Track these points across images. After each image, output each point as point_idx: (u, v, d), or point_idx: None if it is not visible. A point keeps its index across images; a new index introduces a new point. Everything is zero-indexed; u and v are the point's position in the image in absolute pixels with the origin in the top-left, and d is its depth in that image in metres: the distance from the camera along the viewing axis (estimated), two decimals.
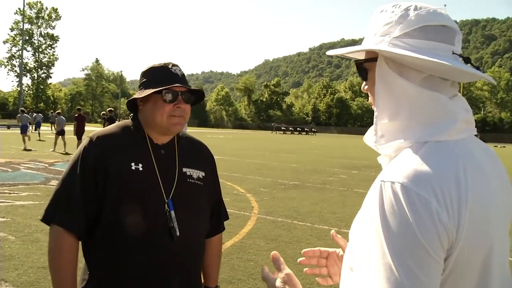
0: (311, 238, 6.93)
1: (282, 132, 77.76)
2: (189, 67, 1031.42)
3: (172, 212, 1.80)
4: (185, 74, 1.90)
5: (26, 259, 5.32)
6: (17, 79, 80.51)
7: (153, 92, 1.79)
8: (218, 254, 2.17)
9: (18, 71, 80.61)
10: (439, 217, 0.88)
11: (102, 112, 34.37)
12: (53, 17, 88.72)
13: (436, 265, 0.89)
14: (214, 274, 2.12)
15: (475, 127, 1.09)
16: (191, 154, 2.00)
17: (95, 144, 1.84)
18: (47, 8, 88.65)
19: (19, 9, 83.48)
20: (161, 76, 1.84)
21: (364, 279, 0.92)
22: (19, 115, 25.20)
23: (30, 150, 20.36)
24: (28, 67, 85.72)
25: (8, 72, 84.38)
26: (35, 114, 35.64)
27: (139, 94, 1.86)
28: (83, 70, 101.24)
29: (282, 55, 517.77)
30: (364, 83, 1.17)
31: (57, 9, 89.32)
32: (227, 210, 2.22)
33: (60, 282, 1.77)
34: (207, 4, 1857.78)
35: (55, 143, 21.00)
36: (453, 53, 1.04)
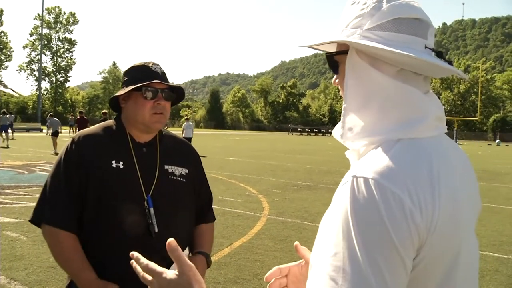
0: None
1: (298, 133, 77.72)
2: (206, 69, 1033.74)
3: (151, 209, 1.82)
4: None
5: (36, 259, 5.41)
6: (36, 83, 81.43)
7: (134, 90, 1.84)
8: (209, 235, 2.14)
9: (37, 75, 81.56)
10: (412, 216, 0.86)
11: (71, 118, 35.26)
12: (71, 21, 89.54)
13: (403, 265, 0.86)
14: (205, 244, 2.06)
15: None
16: (174, 152, 2.03)
17: (76, 144, 1.88)
18: (65, 13, 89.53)
19: (38, 14, 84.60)
20: (141, 74, 1.88)
21: (328, 275, 0.88)
22: (0, 115, 26.56)
23: (7, 147, 21.62)
24: (46, 71, 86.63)
25: (27, 77, 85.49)
26: (7, 115, 35.63)
27: (120, 92, 1.90)
28: (101, 73, 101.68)
29: (299, 56, 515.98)
30: (335, 77, 1.14)
31: (74, 13, 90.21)
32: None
33: (73, 271, 1.81)
34: (223, 7, 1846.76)
35: (54, 145, 21.43)
36: (426, 47, 1.01)
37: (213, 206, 2.26)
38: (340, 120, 1.09)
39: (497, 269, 5.75)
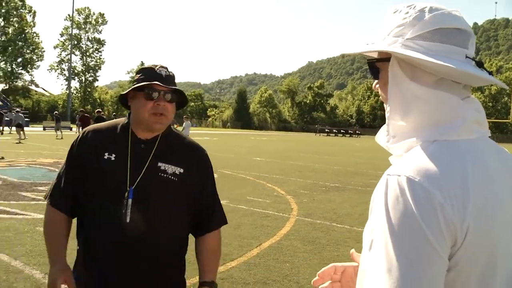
0: (349, 241, 6.87)
1: (325, 134, 77.23)
2: (233, 69, 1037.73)
3: (130, 200, 1.91)
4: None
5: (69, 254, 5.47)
6: (66, 83, 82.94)
7: (138, 90, 1.96)
8: (213, 251, 2.15)
9: (67, 75, 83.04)
10: (443, 211, 0.88)
11: (55, 112, 41.48)
12: (100, 22, 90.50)
13: (439, 259, 0.88)
14: (208, 269, 2.11)
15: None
16: (173, 151, 2.06)
17: (82, 138, 2.08)
18: (94, 14, 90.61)
19: (69, 15, 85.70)
20: (145, 76, 1.97)
21: (369, 272, 0.92)
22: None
23: None
24: (76, 71, 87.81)
25: (57, 76, 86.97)
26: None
27: (125, 92, 2.04)
28: (128, 73, 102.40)
29: (326, 57, 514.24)
30: (375, 81, 1.18)
31: (103, 14, 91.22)
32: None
33: (49, 247, 2.10)
34: (251, 7, 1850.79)
35: (19, 134, 27.43)
36: (466, 56, 1.04)
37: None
38: (374, 124, 1.11)
39: None
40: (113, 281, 1.93)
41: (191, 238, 2.15)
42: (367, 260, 0.94)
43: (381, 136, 1.15)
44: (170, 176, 1.99)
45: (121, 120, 2.11)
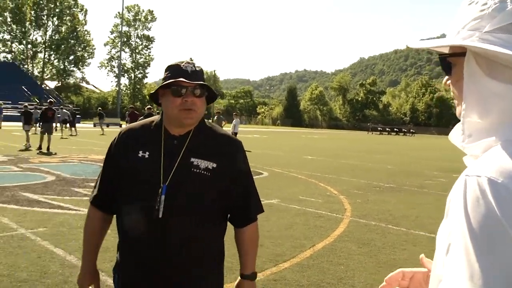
0: (406, 244, 6.62)
1: (378, 132, 76.11)
2: (283, 65, 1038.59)
3: (163, 196, 1.90)
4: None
5: None
6: (116, 80, 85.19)
7: (165, 88, 1.97)
8: (252, 243, 2.19)
9: (117, 72, 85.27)
10: None
11: (99, 108, 44.15)
12: (149, 19, 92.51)
13: None
14: (249, 261, 2.16)
15: None
16: (206, 145, 2.05)
17: (119, 137, 2.11)
18: (143, 11, 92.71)
19: (119, 13, 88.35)
20: (172, 73, 1.98)
21: (447, 278, 0.84)
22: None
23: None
24: (125, 68, 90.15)
25: (107, 73, 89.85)
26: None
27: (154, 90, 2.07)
28: None
29: (378, 52, 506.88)
30: (446, 77, 1.09)
31: (152, 11, 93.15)
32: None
33: (83, 246, 2.23)
34: (302, 3, 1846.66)
35: (61, 130, 29.65)
36: None
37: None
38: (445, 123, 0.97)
39: None
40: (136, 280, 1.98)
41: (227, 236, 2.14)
42: (444, 266, 0.86)
43: (456, 135, 1.05)
44: (203, 171, 1.97)
45: (156, 118, 2.13)
